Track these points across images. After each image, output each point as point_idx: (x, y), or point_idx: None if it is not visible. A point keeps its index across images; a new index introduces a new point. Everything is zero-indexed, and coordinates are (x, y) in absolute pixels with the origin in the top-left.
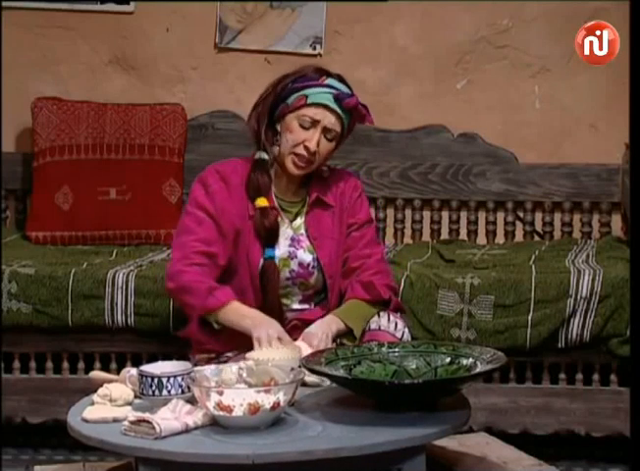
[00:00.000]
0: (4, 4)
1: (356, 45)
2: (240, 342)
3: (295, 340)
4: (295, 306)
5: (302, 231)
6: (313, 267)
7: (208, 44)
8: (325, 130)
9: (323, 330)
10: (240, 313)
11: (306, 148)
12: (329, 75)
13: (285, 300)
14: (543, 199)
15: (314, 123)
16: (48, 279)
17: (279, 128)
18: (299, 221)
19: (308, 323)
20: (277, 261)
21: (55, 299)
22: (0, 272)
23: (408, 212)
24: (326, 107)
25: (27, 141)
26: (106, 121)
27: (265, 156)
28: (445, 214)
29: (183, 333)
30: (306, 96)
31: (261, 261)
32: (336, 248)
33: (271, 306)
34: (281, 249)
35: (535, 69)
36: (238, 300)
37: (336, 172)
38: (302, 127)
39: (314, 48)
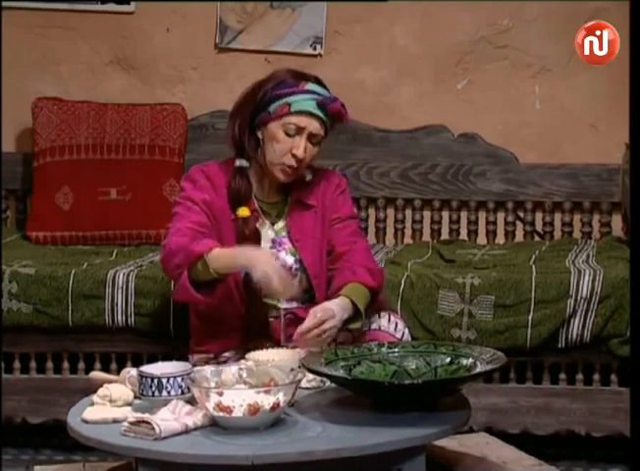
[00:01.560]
0: (4, 4)
1: (357, 45)
2: (237, 341)
3: (291, 336)
4: (285, 305)
5: (284, 233)
6: (296, 269)
7: (208, 44)
8: (310, 136)
9: (338, 311)
10: (229, 253)
11: (294, 156)
12: (307, 79)
13: (270, 301)
14: (543, 199)
15: (299, 130)
16: (48, 279)
17: (260, 135)
18: (281, 224)
19: (301, 319)
20: None
21: (55, 299)
22: (0, 272)
23: (409, 212)
24: (310, 114)
25: (28, 141)
26: (106, 121)
27: (245, 164)
28: (445, 214)
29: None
30: (289, 104)
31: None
32: (319, 248)
33: (256, 315)
34: None
35: (535, 69)
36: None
37: (318, 172)
38: (288, 134)
39: (314, 48)
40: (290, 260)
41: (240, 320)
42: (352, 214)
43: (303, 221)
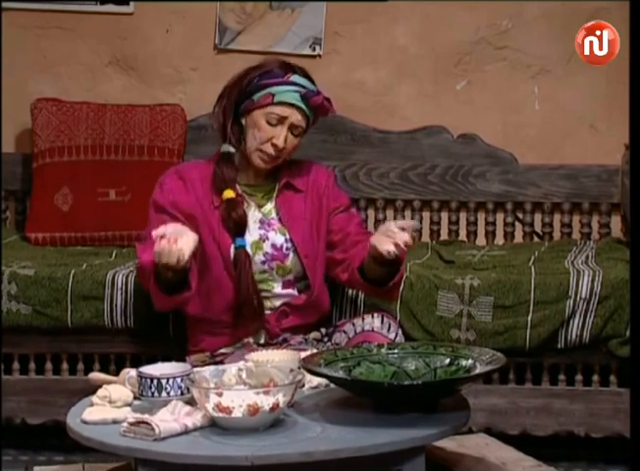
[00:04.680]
0: (4, 4)
1: (356, 46)
2: (232, 336)
3: (287, 329)
4: (278, 291)
5: (273, 215)
6: (287, 248)
7: (208, 45)
8: (292, 127)
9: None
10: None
11: (274, 145)
12: (294, 70)
13: (264, 286)
14: (542, 200)
15: (281, 119)
16: (48, 280)
17: (244, 122)
18: (269, 206)
19: (296, 308)
20: (249, 246)
21: (54, 300)
22: (0, 273)
23: (408, 213)
24: (293, 105)
25: (27, 142)
26: (106, 122)
27: (231, 149)
28: (444, 215)
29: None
30: (273, 95)
31: (232, 250)
32: (309, 229)
33: (246, 295)
34: (252, 234)
35: (535, 69)
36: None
37: (307, 162)
38: (270, 123)
39: (314, 49)
40: (279, 240)
41: (233, 313)
42: (351, 204)
43: (292, 203)
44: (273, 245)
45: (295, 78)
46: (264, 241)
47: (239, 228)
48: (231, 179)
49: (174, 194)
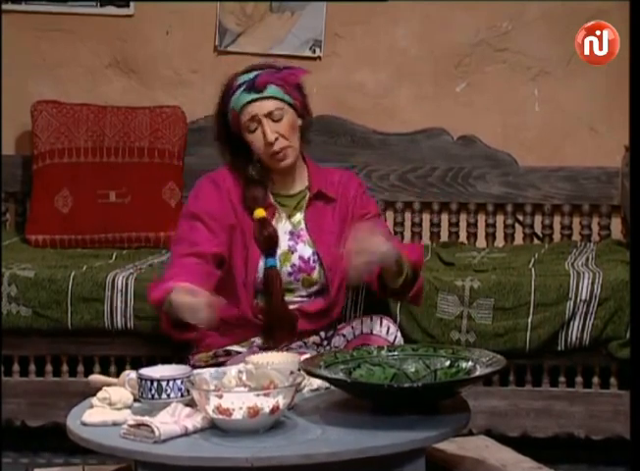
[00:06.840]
0: (4, 7)
1: (356, 48)
2: (240, 337)
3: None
4: (296, 299)
5: (302, 226)
6: (314, 261)
7: (208, 47)
8: (269, 117)
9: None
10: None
11: (268, 144)
12: (241, 73)
13: (288, 295)
14: (542, 202)
15: (254, 121)
16: (48, 282)
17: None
18: (299, 216)
19: (308, 313)
20: (277, 258)
21: (55, 302)
22: (0, 275)
23: (408, 215)
24: (249, 102)
25: (27, 144)
26: (106, 124)
27: (252, 171)
28: (444, 217)
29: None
30: (233, 108)
31: (261, 263)
32: (335, 242)
33: (277, 312)
34: (281, 245)
35: (535, 71)
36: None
37: (338, 170)
38: (252, 131)
39: (314, 51)
40: (307, 252)
41: (248, 317)
42: (379, 213)
43: (322, 215)
44: (301, 257)
45: (240, 78)
46: (292, 253)
47: (270, 247)
48: (261, 199)
49: (209, 201)
